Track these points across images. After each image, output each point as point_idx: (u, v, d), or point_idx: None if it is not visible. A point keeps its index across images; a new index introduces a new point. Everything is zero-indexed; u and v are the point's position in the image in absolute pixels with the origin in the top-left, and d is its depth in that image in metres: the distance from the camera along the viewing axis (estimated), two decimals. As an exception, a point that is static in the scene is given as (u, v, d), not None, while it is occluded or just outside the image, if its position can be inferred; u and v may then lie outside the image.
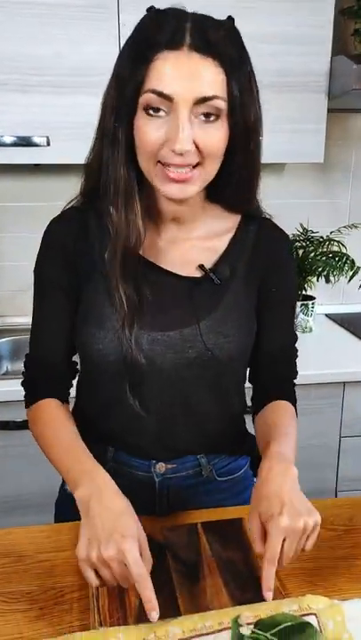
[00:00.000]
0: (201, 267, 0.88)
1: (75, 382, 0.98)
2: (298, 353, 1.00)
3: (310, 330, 1.99)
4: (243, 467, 1.01)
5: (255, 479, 1.07)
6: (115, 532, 0.67)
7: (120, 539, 0.67)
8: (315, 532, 0.72)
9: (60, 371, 0.94)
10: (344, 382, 1.71)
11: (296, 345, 0.99)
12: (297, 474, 0.77)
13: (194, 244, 0.90)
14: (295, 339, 0.99)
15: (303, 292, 1.99)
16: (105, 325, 0.85)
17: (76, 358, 0.96)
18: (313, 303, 1.96)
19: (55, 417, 0.89)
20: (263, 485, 0.75)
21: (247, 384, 1.01)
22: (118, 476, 0.93)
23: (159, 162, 0.77)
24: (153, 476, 0.94)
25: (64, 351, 0.93)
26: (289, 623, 0.65)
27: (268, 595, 0.68)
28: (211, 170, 0.80)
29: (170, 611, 0.71)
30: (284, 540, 0.69)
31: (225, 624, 0.65)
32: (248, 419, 1.03)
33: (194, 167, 0.78)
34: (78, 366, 0.97)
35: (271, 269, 0.92)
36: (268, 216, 0.93)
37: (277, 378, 0.98)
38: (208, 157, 0.77)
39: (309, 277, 1.96)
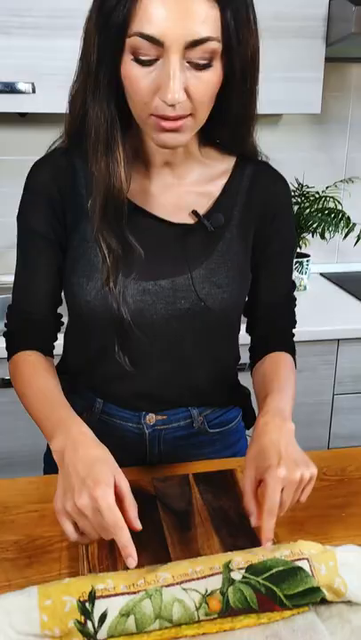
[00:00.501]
0: (194, 213, 0.84)
1: (61, 335, 0.95)
2: (296, 302, 0.97)
3: (305, 288, 1.96)
4: (235, 418, 0.99)
5: (249, 432, 1.07)
6: (87, 479, 0.65)
7: (92, 485, 0.64)
8: (310, 483, 0.72)
9: (43, 322, 0.90)
10: (338, 339, 1.70)
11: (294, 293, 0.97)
12: (293, 429, 0.76)
13: (187, 189, 0.86)
14: (294, 287, 0.96)
15: (298, 250, 1.96)
16: (93, 276, 0.82)
17: (61, 310, 0.93)
18: (308, 261, 1.93)
19: (34, 368, 0.85)
20: (259, 440, 0.74)
21: (241, 335, 0.99)
22: (107, 427, 0.93)
23: (152, 114, 0.73)
24: (143, 427, 0.92)
25: (48, 302, 0.89)
26: (281, 568, 0.64)
27: (268, 545, 0.67)
28: (204, 116, 0.75)
29: (160, 558, 0.70)
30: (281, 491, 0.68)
31: (216, 569, 0.64)
32: (242, 372, 1.01)
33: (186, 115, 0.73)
34: (64, 319, 0.94)
35: (268, 215, 0.88)
36: (264, 158, 0.89)
37: (276, 328, 0.95)
38: (200, 105, 0.73)
39: (304, 234, 1.92)
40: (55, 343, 0.93)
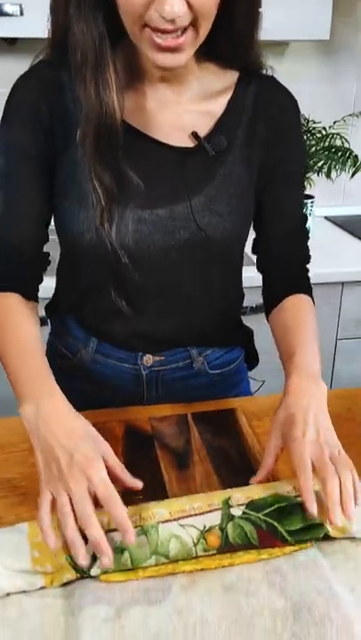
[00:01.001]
0: (194, 135, 0.78)
1: (51, 278, 0.89)
2: (308, 232, 0.91)
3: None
4: (237, 359, 0.95)
5: (251, 374, 1.04)
6: (75, 455, 0.59)
7: (83, 461, 0.58)
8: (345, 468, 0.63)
9: (27, 258, 0.80)
10: (342, 282, 1.64)
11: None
12: (326, 391, 0.71)
13: (186, 107, 0.79)
14: (306, 217, 0.90)
15: (302, 191, 1.88)
16: (86, 203, 0.75)
17: (48, 248, 0.86)
18: (312, 202, 1.86)
19: (13, 313, 0.76)
20: (288, 403, 0.69)
21: (247, 277, 0.94)
22: (102, 368, 0.89)
23: (146, 25, 0.65)
24: (140, 368, 0.88)
25: (33, 236, 0.80)
26: (283, 504, 0.62)
27: (314, 507, 0.60)
28: (205, 31, 0.67)
29: (156, 496, 0.68)
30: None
31: (215, 506, 0.62)
32: (245, 316, 0.97)
33: (185, 29, 0.66)
34: (51, 257, 0.88)
35: (276, 135, 0.80)
36: (270, 72, 0.81)
37: (290, 264, 0.88)
38: (202, 17, 0.65)
39: (309, 174, 1.84)
40: (43, 286, 0.85)
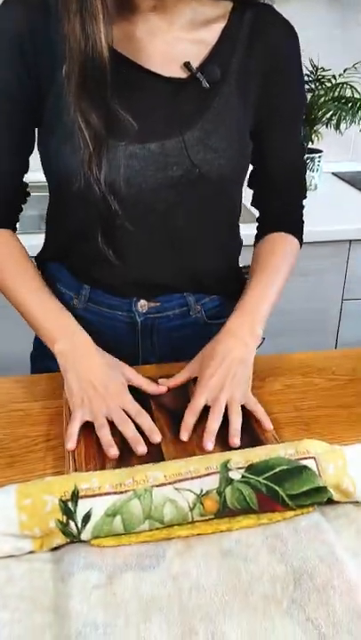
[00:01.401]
0: (187, 65, 0.72)
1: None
2: (306, 169, 0.88)
3: (315, 187, 1.82)
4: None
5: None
6: (111, 383, 0.71)
7: (120, 389, 0.72)
8: (250, 402, 0.73)
9: (10, 193, 0.81)
10: (350, 240, 1.58)
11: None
12: (259, 340, 0.77)
13: (178, 35, 0.73)
14: (303, 153, 0.86)
15: (309, 145, 1.80)
16: (73, 143, 0.70)
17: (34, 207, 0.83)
18: (320, 157, 1.78)
19: (14, 251, 0.80)
20: (213, 344, 0.76)
21: (248, 235, 0.90)
22: (96, 317, 0.85)
23: None
24: (135, 316, 0.85)
25: (14, 172, 0.79)
26: (284, 467, 0.58)
27: (184, 434, 0.68)
28: None
29: (151, 458, 0.65)
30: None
31: (212, 469, 0.58)
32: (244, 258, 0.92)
33: None
34: (29, 188, 0.84)
35: (273, 66, 0.75)
36: (268, 1, 0.75)
37: (285, 202, 0.87)
38: None
39: (317, 126, 1.76)
40: (34, 244, 0.85)
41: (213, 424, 0.68)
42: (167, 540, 0.56)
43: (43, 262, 0.90)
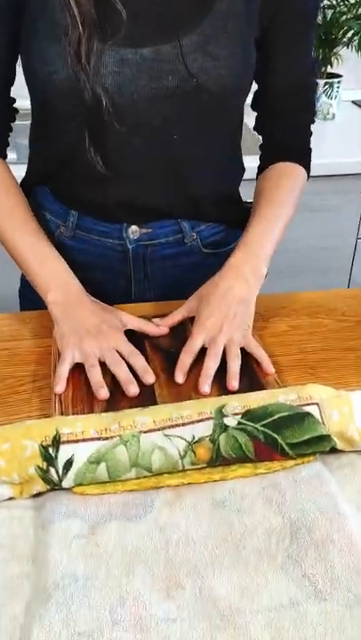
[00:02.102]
0: None
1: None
2: (316, 86, 0.79)
3: (333, 117, 1.70)
4: (236, 238, 0.84)
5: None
6: (103, 324, 0.67)
7: (111, 330, 0.67)
8: (251, 345, 0.67)
9: None
10: (367, 173, 1.48)
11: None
12: (263, 278, 0.72)
13: None
14: (314, 70, 0.77)
15: (328, 69, 1.66)
16: (59, 36, 0.63)
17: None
18: (338, 83, 1.65)
19: (4, 184, 0.75)
20: (213, 281, 0.71)
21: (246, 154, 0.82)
22: (85, 245, 0.80)
23: None
24: (125, 242, 0.79)
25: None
26: (285, 413, 0.54)
27: (179, 375, 0.64)
28: None
29: (143, 402, 0.60)
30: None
31: (206, 414, 0.54)
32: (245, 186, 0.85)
33: None
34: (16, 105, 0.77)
35: None
36: None
37: (291, 127, 0.79)
38: None
39: (336, 49, 1.61)
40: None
41: (210, 366, 0.64)
42: (156, 489, 0.52)
43: (28, 188, 0.83)
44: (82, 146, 0.70)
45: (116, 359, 0.64)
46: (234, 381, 0.63)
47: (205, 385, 0.62)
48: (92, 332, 0.66)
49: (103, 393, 0.61)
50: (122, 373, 0.63)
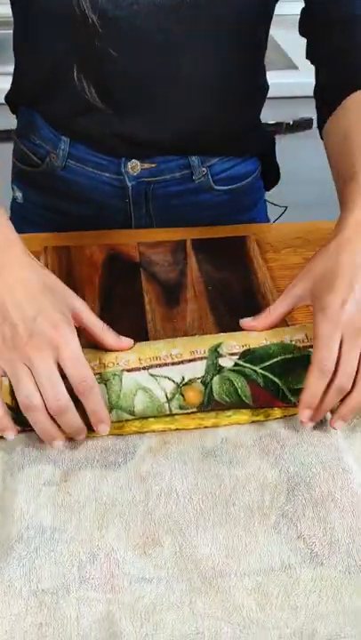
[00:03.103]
0: None
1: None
2: None
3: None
4: (251, 174, 0.75)
5: (269, 197, 0.84)
6: (38, 318, 0.42)
7: (49, 329, 0.42)
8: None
9: None
10: None
11: None
12: None
13: None
14: None
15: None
16: None
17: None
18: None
19: None
20: (333, 252, 0.46)
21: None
22: (78, 177, 0.70)
23: None
24: (124, 179, 0.69)
25: None
26: (288, 356, 0.47)
27: (306, 414, 0.45)
28: None
29: (135, 336, 0.54)
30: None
31: (199, 353, 0.47)
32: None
33: None
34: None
35: None
36: None
37: (357, 44, 0.58)
38: None
39: None
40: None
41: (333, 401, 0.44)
42: (139, 434, 0.47)
43: (13, 106, 0.74)
44: (69, 70, 0.60)
45: (58, 403, 0.41)
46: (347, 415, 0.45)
47: (307, 411, 0.44)
48: (22, 329, 0.42)
49: (56, 445, 0.43)
50: (66, 426, 0.43)
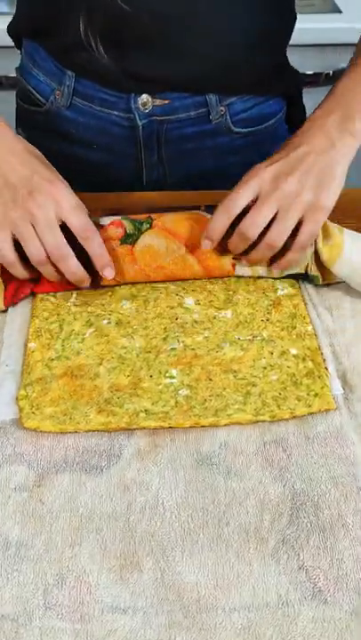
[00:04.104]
0: None
1: None
2: None
3: None
4: (274, 115, 0.66)
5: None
6: (35, 176, 0.47)
7: (46, 185, 0.47)
8: (313, 222, 0.47)
9: None
10: None
11: None
12: (354, 148, 0.48)
13: None
14: None
15: None
16: None
17: None
18: None
19: None
20: (288, 141, 0.49)
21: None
22: (84, 117, 0.64)
23: None
24: (135, 117, 0.62)
25: None
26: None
27: (206, 244, 0.49)
28: None
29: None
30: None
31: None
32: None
33: None
34: None
35: None
36: None
37: None
38: None
39: None
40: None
41: (257, 221, 0.46)
42: (128, 431, 0.41)
43: (18, 40, 0.67)
44: (72, 15, 0.53)
45: (57, 250, 0.47)
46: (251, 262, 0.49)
47: (207, 241, 0.49)
48: (21, 191, 0.47)
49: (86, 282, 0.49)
50: (68, 273, 0.48)
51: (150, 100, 0.61)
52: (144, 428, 0.41)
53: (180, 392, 0.43)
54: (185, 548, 0.35)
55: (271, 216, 0.46)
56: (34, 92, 0.66)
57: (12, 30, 0.66)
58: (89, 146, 0.65)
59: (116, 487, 0.38)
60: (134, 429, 0.41)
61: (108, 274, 0.48)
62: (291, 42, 0.77)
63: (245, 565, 0.35)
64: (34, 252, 0.46)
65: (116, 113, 0.62)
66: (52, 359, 0.46)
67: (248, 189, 0.47)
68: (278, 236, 0.46)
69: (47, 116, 0.65)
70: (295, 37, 0.70)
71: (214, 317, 0.49)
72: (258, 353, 0.46)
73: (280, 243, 0.47)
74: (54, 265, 0.47)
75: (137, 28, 0.55)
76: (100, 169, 0.65)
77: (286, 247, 0.48)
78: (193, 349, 0.46)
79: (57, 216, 0.46)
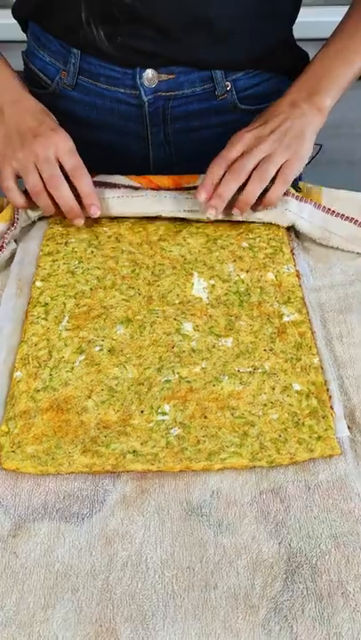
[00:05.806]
0: None
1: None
2: None
3: None
4: (281, 92, 0.63)
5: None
6: (41, 127, 0.54)
7: (49, 131, 0.54)
8: (289, 169, 0.52)
9: None
10: None
11: None
12: (321, 120, 0.54)
13: None
14: None
15: None
16: None
17: None
18: None
19: None
20: (262, 114, 0.56)
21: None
22: (90, 96, 0.63)
23: None
24: (140, 93, 0.61)
25: None
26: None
27: (210, 214, 0.53)
28: None
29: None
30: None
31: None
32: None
33: None
34: None
35: None
36: None
37: None
38: None
39: None
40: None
41: (229, 183, 0.52)
42: (114, 474, 0.38)
43: (23, 22, 0.66)
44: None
45: (55, 174, 0.52)
46: (243, 204, 0.53)
47: (212, 210, 0.52)
48: (28, 136, 0.54)
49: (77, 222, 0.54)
50: (61, 200, 0.53)
51: (155, 75, 0.60)
52: (130, 472, 0.39)
53: (171, 431, 0.40)
54: (167, 615, 0.32)
55: (257, 162, 0.52)
56: (40, 73, 0.66)
57: (16, 12, 0.65)
58: (95, 126, 0.65)
59: (97, 539, 0.35)
60: (121, 472, 0.38)
61: (93, 211, 0.53)
62: (312, 35, 0.73)
63: (232, 637, 0.32)
64: (32, 182, 0.52)
65: (122, 90, 0.62)
66: (39, 390, 0.43)
67: (234, 150, 0.53)
68: (267, 169, 0.51)
69: (53, 98, 0.65)
70: (316, 31, 0.68)
71: (213, 346, 0.45)
72: (258, 388, 0.42)
73: (269, 174, 0.51)
74: (51, 198, 0.52)
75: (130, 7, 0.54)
76: (106, 149, 0.65)
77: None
78: (189, 382, 0.43)
79: (55, 156, 0.52)
